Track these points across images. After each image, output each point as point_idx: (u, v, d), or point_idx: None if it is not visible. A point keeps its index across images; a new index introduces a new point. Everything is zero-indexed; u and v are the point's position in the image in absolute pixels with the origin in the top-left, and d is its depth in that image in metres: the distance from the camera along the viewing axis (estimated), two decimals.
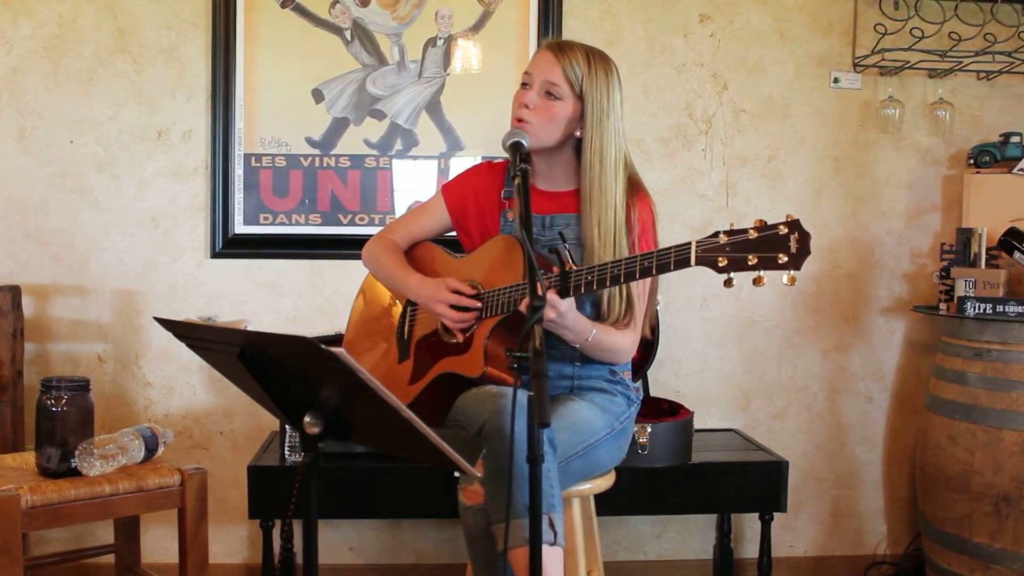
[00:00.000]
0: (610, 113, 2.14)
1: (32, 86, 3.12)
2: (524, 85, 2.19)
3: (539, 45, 3.15)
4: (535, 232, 2.24)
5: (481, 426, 1.99)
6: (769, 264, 1.71)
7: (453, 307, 2.15)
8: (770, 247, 1.71)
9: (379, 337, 2.41)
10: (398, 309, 2.40)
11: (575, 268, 1.98)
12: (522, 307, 1.97)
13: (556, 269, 2.01)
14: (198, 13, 3.14)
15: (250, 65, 3.15)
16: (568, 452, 2.06)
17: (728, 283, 1.75)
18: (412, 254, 2.41)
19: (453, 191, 2.38)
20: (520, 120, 2.16)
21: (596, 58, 2.16)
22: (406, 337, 2.34)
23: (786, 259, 1.70)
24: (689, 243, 1.79)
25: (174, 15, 3.14)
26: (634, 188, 2.22)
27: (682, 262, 1.81)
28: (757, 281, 1.72)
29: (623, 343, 2.16)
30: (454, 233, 2.42)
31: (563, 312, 1.97)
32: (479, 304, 2.14)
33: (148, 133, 3.16)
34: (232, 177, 3.16)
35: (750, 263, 1.72)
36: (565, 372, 2.23)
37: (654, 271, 1.86)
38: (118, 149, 3.15)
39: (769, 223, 1.73)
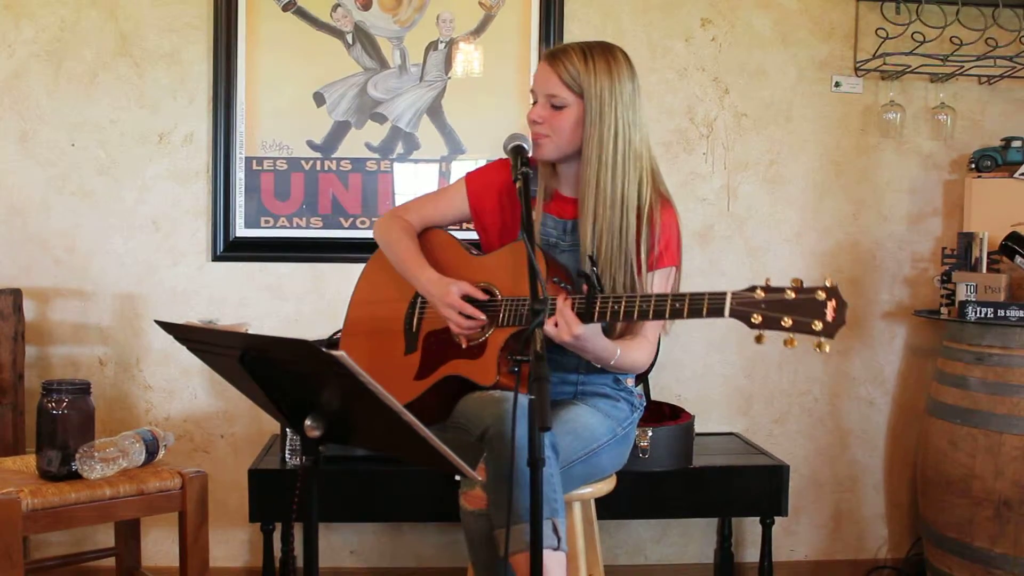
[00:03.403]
0: (612, 104, 2.09)
1: (34, 89, 3.12)
2: (532, 102, 2.17)
3: (540, 49, 3.17)
4: (555, 237, 2.21)
5: (483, 431, 1.99)
6: (803, 329, 1.69)
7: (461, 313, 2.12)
8: (806, 312, 1.69)
9: (385, 321, 2.34)
10: (406, 296, 2.32)
11: (602, 294, 1.94)
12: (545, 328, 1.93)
13: (563, 294, 1.98)
14: (200, 16, 3.14)
15: (251, 68, 3.15)
16: (571, 457, 2.05)
17: (759, 339, 1.72)
18: (427, 238, 2.34)
19: (476, 181, 2.33)
20: (536, 135, 2.15)
21: (594, 52, 2.11)
22: (414, 329, 2.29)
23: (821, 327, 1.68)
24: (725, 293, 1.76)
25: (176, 19, 3.14)
26: (657, 196, 2.16)
27: (715, 311, 1.77)
28: (788, 343, 1.70)
29: (643, 358, 2.13)
30: (467, 226, 2.37)
31: (578, 335, 1.92)
32: (485, 318, 2.11)
33: (149, 136, 3.16)
34: (233, 180, 3.17)
35: (784, 325, 1.70)
36: (569, 379, 2.22)
37: (685, 314, 1.82)
38: (119, 152, 3.16)
39: (806, 285, 1.71)
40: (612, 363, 2.06)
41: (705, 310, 1.79)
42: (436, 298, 2.16)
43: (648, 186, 2.14)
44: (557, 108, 2.11)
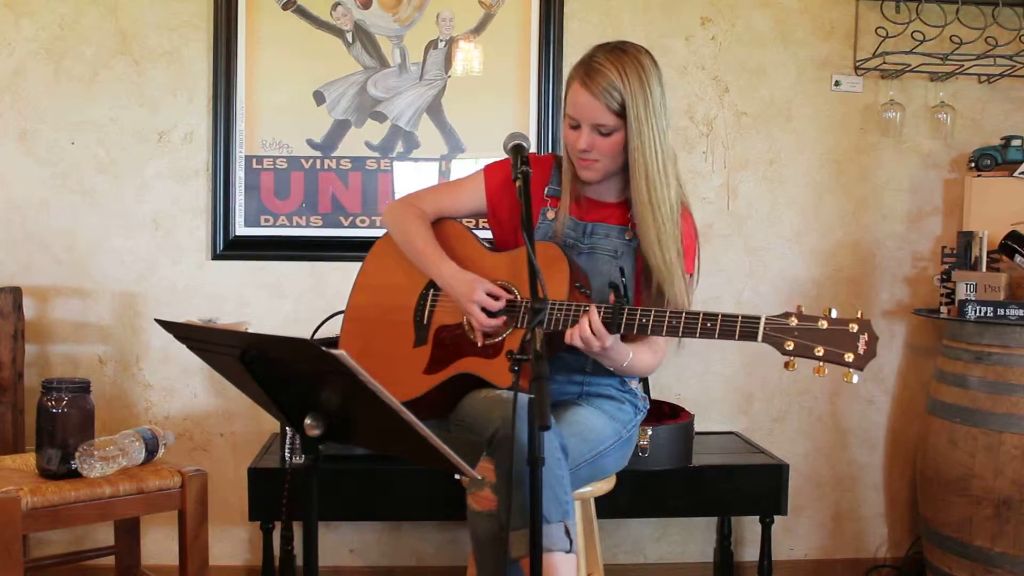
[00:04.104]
0: (648, 119, 2.04)
1: (34, 88, 3.12)
2: (572, 126, 2.11)
3: (541, 48, 3.16)
4: (573, 239, 2.20)
5: (492, 434, 1.96)
6: (835, 359, 1.73)
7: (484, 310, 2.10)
8: (838, 343, 1.72)
9: (393, 311, 2.29)
10: (418, 284, 2.28)
11: (629, 306, 1.94)
12: (567, 338, 1.94)
13: (585, 301, 1.98)
14: (200, 15, 3.14)
15: (251, 67, 3.15)
16: (577, 460, 2.05)
17: (789, 365, 1.76)
18: (441, 229, 2.30)
19: (496, 174, 2.29)
20: (584, 162, 2.12)
21: (626, 67, 2.04)
22: (425, 322, 2.25)
23: (852, 359, 1.71)
24: (759, 317, 1.79)
25: (175, 17, 3.14)
26: (679, 200, 2.16)
27: (748, 335, 1.81)
28: (818, 371, 1.74)
29: (653, 363, 2.14)
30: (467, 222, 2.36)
31: (608, 348, 1.94)
32: (512, 306, 2.10)
33: (149, 135, 3.16)
34: (233, 179, 3.17)
35: (816, 354, 1.73)
36: (575, 379, 2.22)
37: (715, 335, 1.84)
38: (119, 151, 3.16)
39: (838, 316, 1.74)
40: (624, 365, 2.06)
41: (738, 333, 1.82)
42: (461, 295, 2.13)
43: (677, 188, 2.13)
44: (603, 135, 2.08)
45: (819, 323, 1.74)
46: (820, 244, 3.35)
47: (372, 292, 2.36)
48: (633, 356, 2.06)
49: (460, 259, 2.21)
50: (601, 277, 2.12)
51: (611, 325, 1.93)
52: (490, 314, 2.10)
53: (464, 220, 2.36)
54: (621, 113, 2.04)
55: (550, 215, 2.22)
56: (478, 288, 2.10)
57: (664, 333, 1.91)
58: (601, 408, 2.19)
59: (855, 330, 1.72)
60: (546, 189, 2.25)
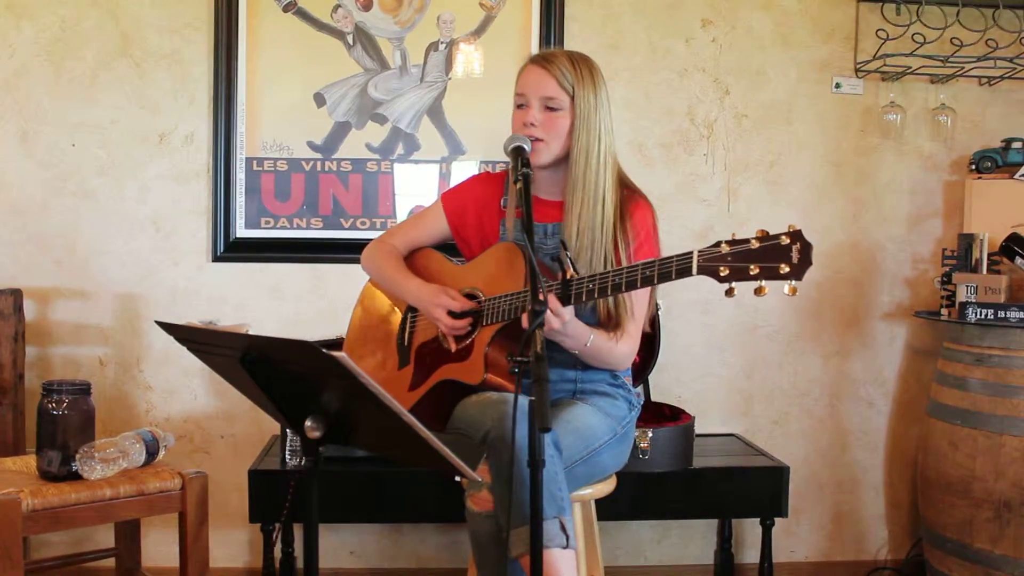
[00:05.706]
0: (597, 109, 2.15)
1: (34, 90, 3.12)
2: (520, 106, 2.19)
3: (541, 49, 3.17)
4: (537, 240, 2.23)
5: (485, 434, 1.99)
6: (771, 274, 1.71)
7: (451, 313, 2.16)
8: (772, 257, 1.71)
9: (378, 343, 2.41)
10: (398, 316, 2.40)
11: (576, 276, 1.98)
12: (524, 323, 1.95)
13: (559, 276, 2.00)
14: (200, 17, 3.14)
15: (252, 69, 3.15)
16: (573, 457, 2.06)
17: (730, 292, 1.75)
18: (413, 259, 2.42)
19: (452, 200, 2.39)
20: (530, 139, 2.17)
21: (578, 59, 2.18)
22: (406, 344, 2.34)
23: (788, 269, 1.70)
24: (691, 252, 1.79)
25: (176, 19, 3.14)
26: (628, 193, 2.22)
27: (684, 271, 1.80)
28: (759, 291, 1.72)
29: (621, 350, 2.16)
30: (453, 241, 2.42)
31: (568, 320, 1.97)
32: (476, 307, 2.15)
33: (150, 137, 3.16)
34: (234, 181, 3.17)
35: (752, 273, 1.72)
36: (567, 376, 2.23)
37: (656, 280, 1.85)
38: (120, 153, 3.16)
39: (771, 233, 1.73)
40: (587, 346, 2.08)
41: (674, 272, 1.82)
42: (425, 302, 2.21)
43: (618, 184, 2.20)
44: (551, 111, 2.15)
45: (750, 244, 1.73)
46: (820, 246, 3.32)
47: (360, 332, 2.48)
48: (594, 337, 2.09)
49: (431, 279, 2.30)
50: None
51: (564, 298, 1.96)
52: (456, 316, 2.16)
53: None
54: (571, 95, 2.14)
55: (509, 224, 2.27)
56: (440, 293, 2.19)
57: (610, 292, 1.93)
58: (596, 405, 2.21)
59: (787, 242, 1.70)
60: (502, 200, 2.32)
